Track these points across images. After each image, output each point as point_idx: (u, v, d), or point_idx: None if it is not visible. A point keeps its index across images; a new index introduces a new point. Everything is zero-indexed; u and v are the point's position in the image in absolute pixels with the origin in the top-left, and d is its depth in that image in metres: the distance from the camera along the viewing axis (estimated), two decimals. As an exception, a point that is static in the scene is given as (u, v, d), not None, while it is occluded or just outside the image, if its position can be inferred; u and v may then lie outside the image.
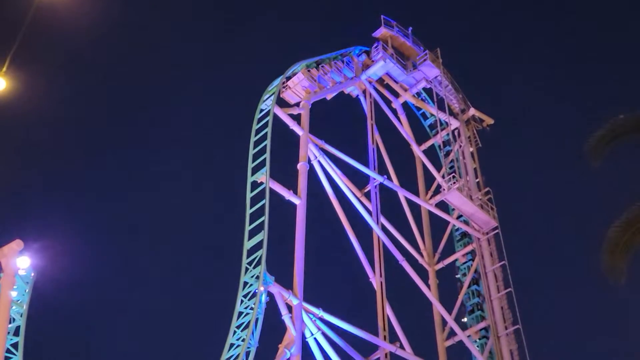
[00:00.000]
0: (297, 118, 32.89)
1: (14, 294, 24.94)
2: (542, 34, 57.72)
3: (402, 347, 30.89)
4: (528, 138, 51.38)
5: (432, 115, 39.94)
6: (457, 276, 35.31)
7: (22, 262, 25.11)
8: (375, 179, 34.59)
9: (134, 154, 51.82)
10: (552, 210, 48.06)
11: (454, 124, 39.23)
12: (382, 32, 38.46)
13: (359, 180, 34.77)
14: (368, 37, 38.74)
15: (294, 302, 27.27)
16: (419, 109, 40.57)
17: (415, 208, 37.01)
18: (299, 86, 34.05)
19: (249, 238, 27.58)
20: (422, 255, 35.74)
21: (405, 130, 38.68)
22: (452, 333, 33.39)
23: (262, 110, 31.83)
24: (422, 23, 54.53)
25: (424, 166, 38.31)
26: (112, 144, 52.34)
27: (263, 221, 27.59)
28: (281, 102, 33.23)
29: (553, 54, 56.44)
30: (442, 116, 38.36)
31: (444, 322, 33.89)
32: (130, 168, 51.50)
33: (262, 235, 27.17)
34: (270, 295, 26.73)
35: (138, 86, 52.27)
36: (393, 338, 31.08)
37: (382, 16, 38.63)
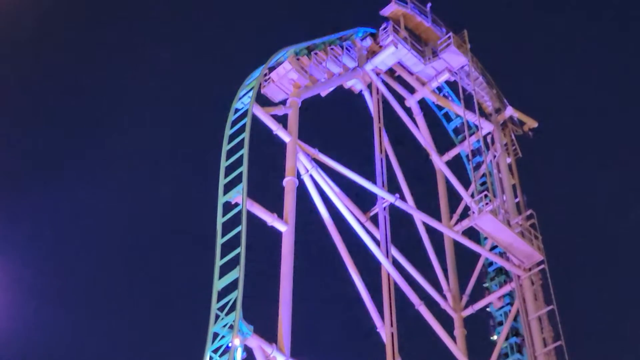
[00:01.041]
0: (283, 120, 33.03)
1: None
2: (598, 14, 57.21)
3: (419, 416, 31.32)
4: (582, 146, 51.03)
5: (457, 116, 40.33)
6: (491, 325, 35.49)
7: None
8: (384, 198, 34.61)
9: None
10: (614, 240, 47.71)
11: (486, 127, 39.48)
12: (392, 9, 38.64)
13: (363, 200, 34.82)
14: (375, 15, 38.99)
15: (279, 358, 27.02)
16: (440, 108, 40.96)
17: (436, 237, 37.14)
18: (286, 79, 34.39)
19: (220, 276, 27.40)
20: (445, 298, 35.94)
21: (423, 135, 38.81)
22: (484, 399, 33.58)
23: (237, 111, 31.88)
24: (445, -2, 54.67)
25: (448, 182, 38.49)
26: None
27: (239, 254, 27.42)
28: (262, 100, 33.48)
29: (615, 36, 56.07)
30: (471, 117, 38.49)
31: (474, 385, 34.05)
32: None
33: (237, 273, 26.97)
34: (248, 350, 26.41)
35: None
36: (408, 405, 31.34)
37: (392, -11, 38.75)
